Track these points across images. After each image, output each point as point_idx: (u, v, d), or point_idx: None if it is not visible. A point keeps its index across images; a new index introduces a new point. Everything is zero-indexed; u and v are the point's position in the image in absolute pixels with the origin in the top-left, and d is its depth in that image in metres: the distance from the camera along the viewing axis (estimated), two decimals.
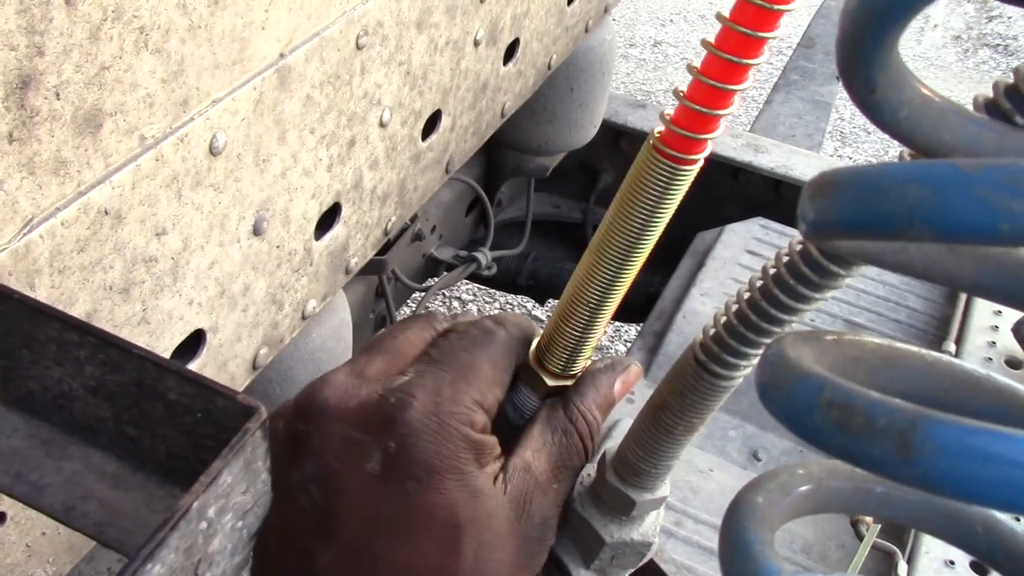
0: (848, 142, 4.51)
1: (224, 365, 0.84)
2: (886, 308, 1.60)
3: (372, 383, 0.48)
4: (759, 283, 0.42)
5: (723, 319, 0.44)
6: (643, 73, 4.86)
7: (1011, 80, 0.36)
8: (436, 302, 3.40)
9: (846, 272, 0.39)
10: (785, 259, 0.41)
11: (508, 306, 3.47)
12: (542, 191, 2.15)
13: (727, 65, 0.42)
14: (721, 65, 0.42)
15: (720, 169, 1.95)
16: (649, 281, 1.94)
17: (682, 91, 0.45)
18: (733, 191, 1.99)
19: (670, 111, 0.45)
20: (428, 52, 1.01)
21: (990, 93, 0.36)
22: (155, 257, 0.70)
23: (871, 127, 4.61)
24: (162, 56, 0.64)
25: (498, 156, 1.84)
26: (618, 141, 2.09)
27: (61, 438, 0.45)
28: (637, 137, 2.05)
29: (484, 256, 1.63)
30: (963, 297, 1.60)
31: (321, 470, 0.45)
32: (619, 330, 3.32)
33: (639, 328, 1.62)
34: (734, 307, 0.43)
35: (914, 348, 0.36)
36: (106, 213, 0.64)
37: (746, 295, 0.42)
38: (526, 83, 1.33)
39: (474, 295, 3.49)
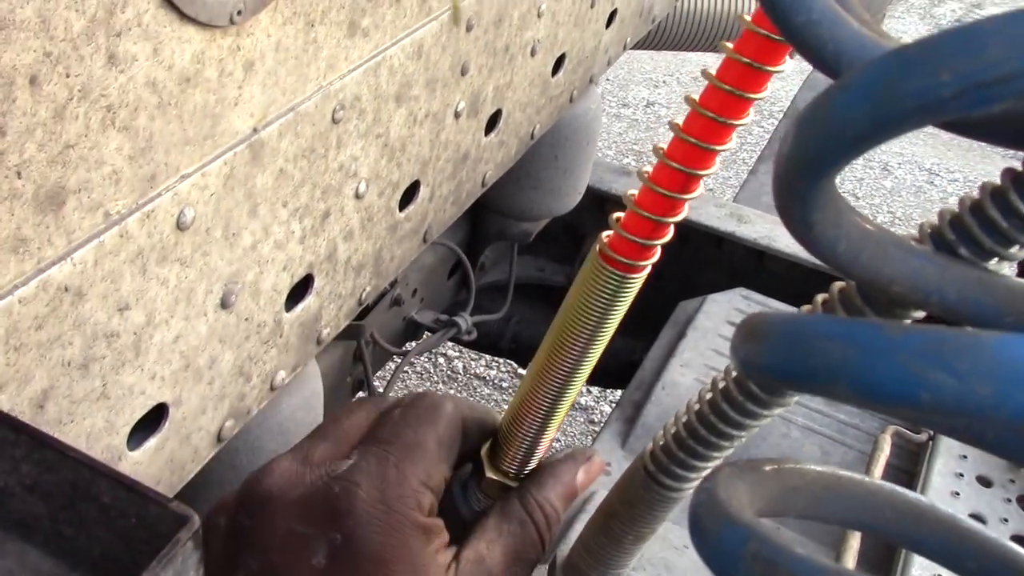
0: None
1: (187, 438, 0.83)
2: None
3: (316, 468, 0.46)
4: (708, 396, 0.41)
5: (672, 430, 0.43)
6: (635, 133, 4.90)
7: (956, 210, 0.35)
8: (422, 357, 3.39)
9: (795, 392, 0.39)
10: (733, 373, 0.40)
11: (495, 363, 3.46)
12: (526, 254, 2.15)
13: (676, 174, 0.42)
14: (671, 174, 0.42)
15: (703, 238, 1.95)
16: (631, 348, 1.94)
17: (633, 195, 0.44)
18: (716, 260, 1.99)
19: (620, 213, 0.45)
20: (407, 124, 1.01)
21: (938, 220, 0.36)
22: (116, 332, 0.69)
23: (860, 192, 4.63)
24: (129, 133, 0.63)
25: (482, 221, 1.84)
26: (603, 206, 2.09)
27: None
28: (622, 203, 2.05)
29: (464, 321, 1.62)
30: None
31: (265, 567, 0.44)
32: (604, 392, 3.30)
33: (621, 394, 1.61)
34: (683, 419, 0.42)
35: (857, 476, 0.36)
36: (66, 290, 0.63)
37: (695, 407, 0.42)
38: (508, 153, 1.34)
39: (460, 352, 3.48)
